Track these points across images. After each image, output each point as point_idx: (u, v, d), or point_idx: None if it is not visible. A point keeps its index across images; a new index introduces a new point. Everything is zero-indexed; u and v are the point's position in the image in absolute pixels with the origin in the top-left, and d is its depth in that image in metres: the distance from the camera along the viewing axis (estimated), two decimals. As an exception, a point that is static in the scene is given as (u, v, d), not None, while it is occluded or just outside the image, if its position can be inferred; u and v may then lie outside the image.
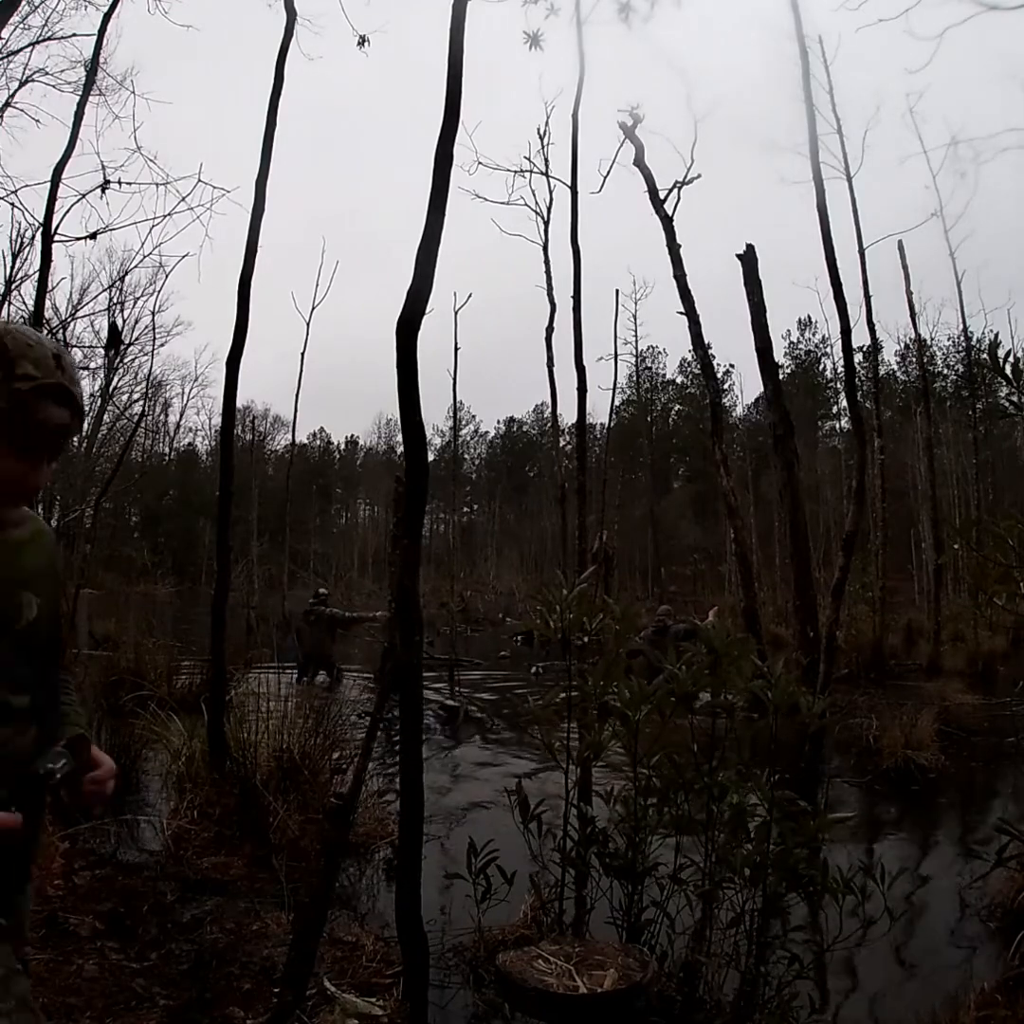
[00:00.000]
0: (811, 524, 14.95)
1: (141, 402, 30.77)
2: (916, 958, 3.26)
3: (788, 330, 44.45)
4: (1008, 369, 2.89)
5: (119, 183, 6.10)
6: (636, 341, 35.66)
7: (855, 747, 6.52)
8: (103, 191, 6.01)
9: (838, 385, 37.95)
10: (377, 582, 28.42)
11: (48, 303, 8.65)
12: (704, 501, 37.06)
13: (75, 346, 16.64)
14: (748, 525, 20.42)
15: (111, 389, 29.86)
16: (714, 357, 18.76)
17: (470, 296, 13.59)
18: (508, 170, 12.94)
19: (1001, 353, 3.00)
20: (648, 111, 11.38)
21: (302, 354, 16.40)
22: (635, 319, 33.84)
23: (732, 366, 43.42)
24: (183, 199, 6.37)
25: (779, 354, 15.31)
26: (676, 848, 2.76)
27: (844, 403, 23.71)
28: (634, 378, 40.46)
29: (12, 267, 12.42)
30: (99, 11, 6.28)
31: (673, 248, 10.55)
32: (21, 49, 9.69)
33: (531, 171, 12.94)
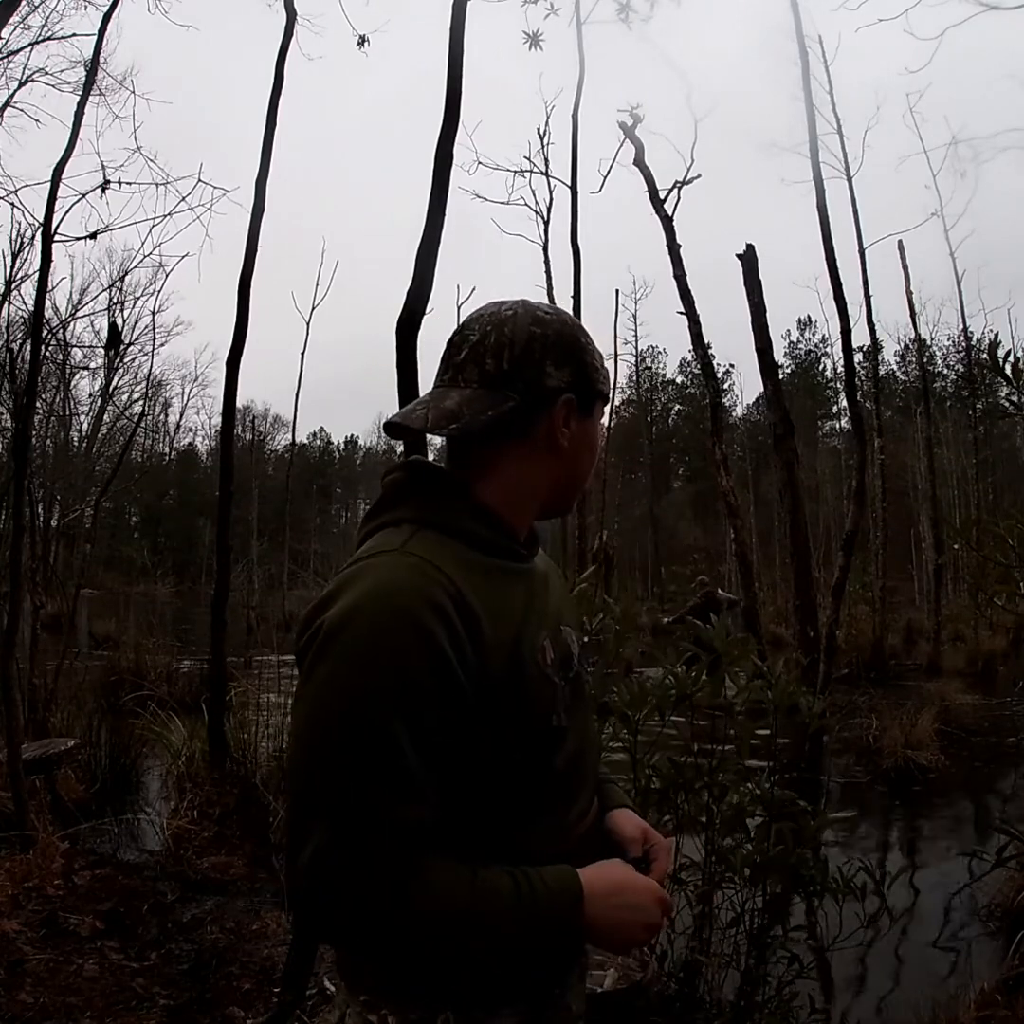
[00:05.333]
0: (811, 524, 14.94)
1: (141, 402, 30.80)
2: (916, 958, 3.26)
3: (788, 330, 44.40)
4: (1008, 369, 2.90)
5: (119, 183, 6.10)
6: (636, 341, 35.84)
7: (855, 747, 6.52)
8: (103, 191, 6.01)
9: (838, 385, 37.91)
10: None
11: (48, 303, 8.66)
12: (704, 501, 37.07)
13: (75, 346, 16.65)
14: (748, 525, 20.42)
15: (111, 389, 29.88)
16: (714, 357, 18.77)
17: (473, 290, 13.56)
18: (508, 170, 12.94)
19: (1001, 353, 3.00)
20: (648, 111, 11.39)
21: (302, 354, 16.43)
22: (635, 319, 34.00)
23: (732, 366, 43.37)
24: (183, 199, 6.36)
25: (779, 354, 15.32)
26: (676, 848, 2.76)
27: (844, 403, 23.73)
28: (634, 378, 40.54)
29: (12, 267, 12.42)
30: (99, 11, 6.29)
31: (673, 248, 10.54)
32: (21, 49, 9.72)
33: (531, 171, 12.95)
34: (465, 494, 0.89)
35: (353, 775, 0.72)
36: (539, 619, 0.90)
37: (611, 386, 1.01)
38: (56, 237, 4.65)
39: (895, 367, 38.79)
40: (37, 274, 4.68)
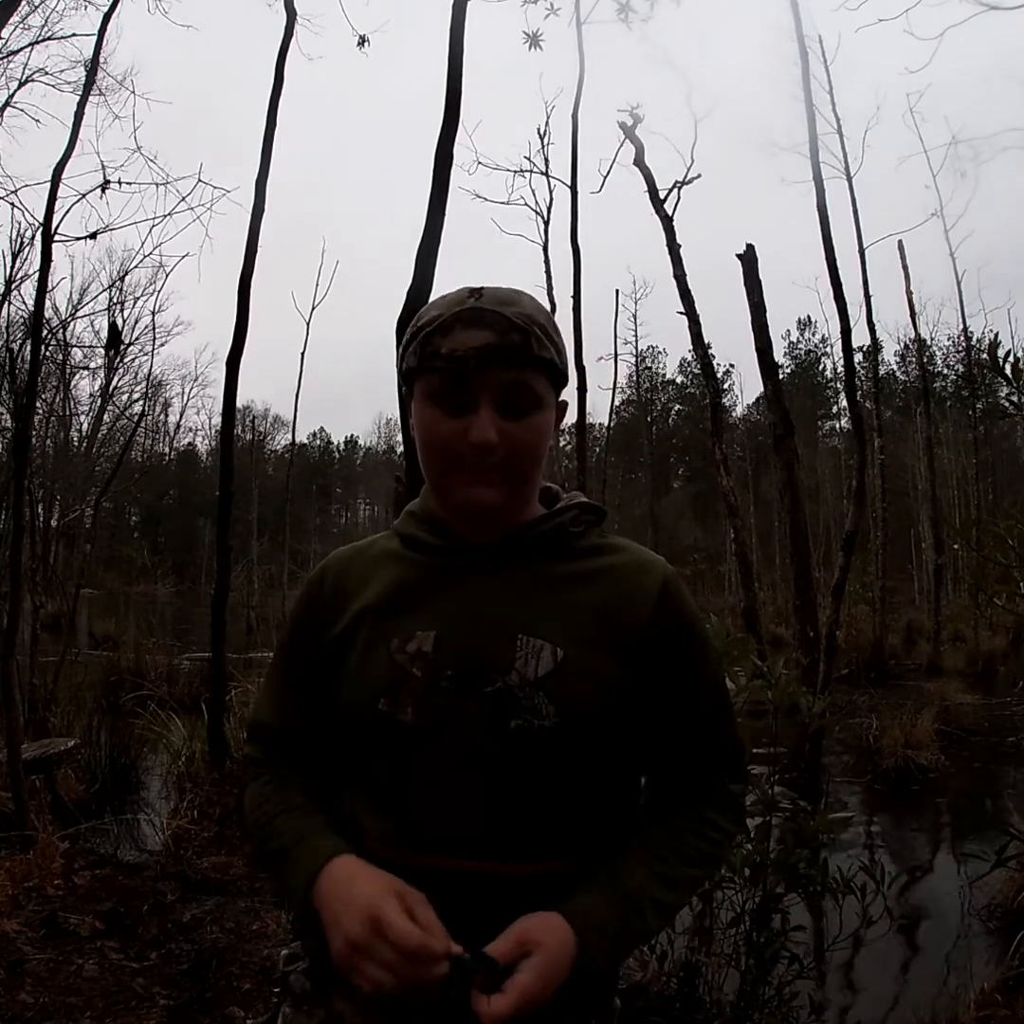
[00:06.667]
0: (811, 524, 14.95)
1: (141, 402, 30.79)
2: (916, 958, 3.26)
3: (788, 330, 44.44)
4: (1008, 369, 2.89)
5: (119, 183, 6.10)
6: (636, 341, 35.71)
7: (855, 747, 6.52)
8: (103, 191, 6.01)
9: (838, 385, 37.93)
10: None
11: (48, 303, 8.65)
12: (704, 501, 37.08)
13: (75, 346, 16.65)
14: (748, 525, 20.42)
15: (111, 389, 29.88)
16: (714, 357, 18.76)
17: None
18: (508, 170, 12.93)
19: (1001, 353, 3.00)
20: (648, 111, 11.38)
21: (302, 354, 16.39)
22: (635, 319, 33.90)
23: (732, 366, 43.41)
24: (183, 199, 6.37)
25: (779, 354, 15.33)
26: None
27: (844, 403, 23.72)
28: (634, 378, 40.49)
29: (12, 267, 12.40)
30: (99, 11, 6.30)
31: (673, 248, 10.54)
32: (21, 49, 9.71)
33: (531, 171, 12.93)
34: (414, 501, 0.98)
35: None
36: (429, 611, 0.87)
37: (434, 349, 0.82)
38: (56, 237, 4.65)
39: (895, 367, 38.82)
40: (37, 274, 4.68)
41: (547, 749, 0.82)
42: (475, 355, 0.80)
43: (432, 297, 3.06)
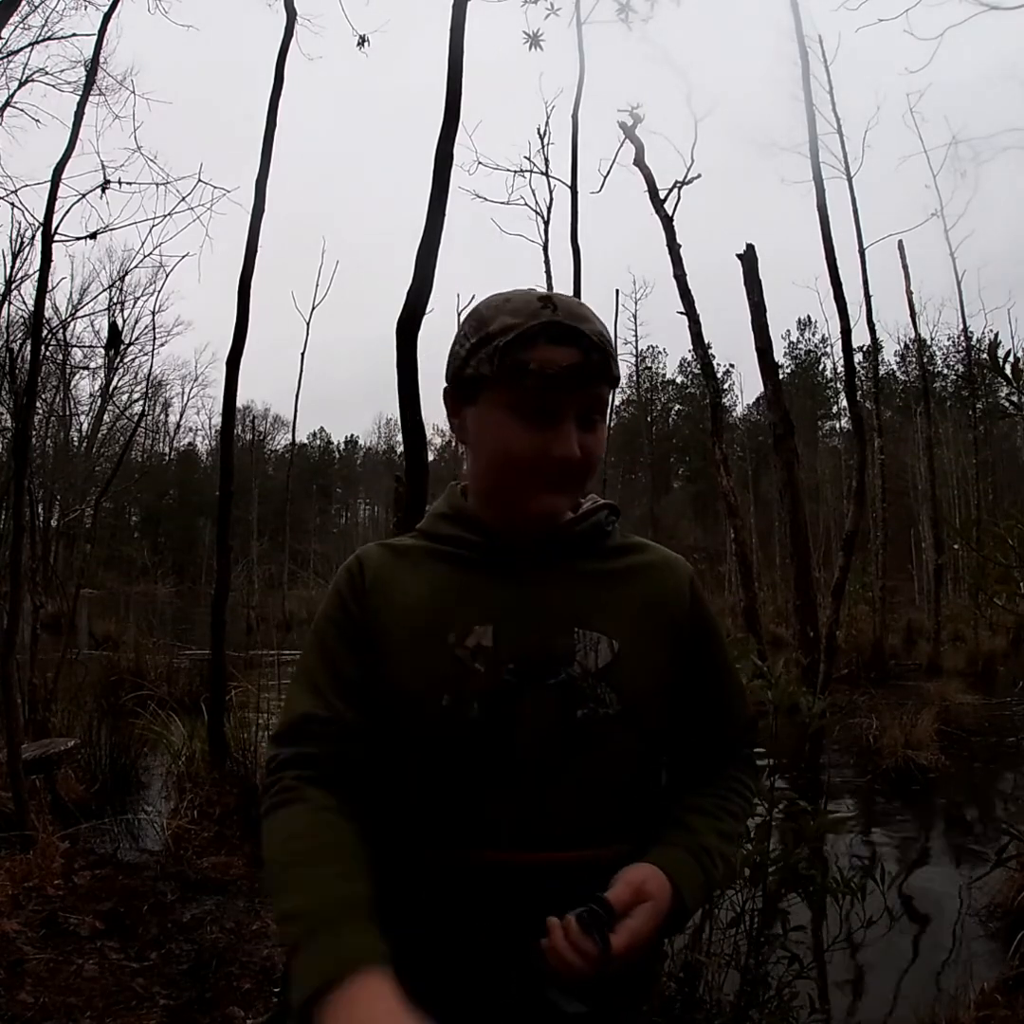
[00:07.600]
0: (811, 524, 14.94)
1: (141, 402, 30.83)
2: (916, 958, 3.26)
3: (788, 330, 44.47)
4: (1008, 369, 2.90)
5: (119, 183, 6.10)
6: (636, 341, 35.86)
7: (855, 747, 6.52)
8: (103, 191, 6.01)
9: (838, 385, 37.94)
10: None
11: (48, 303, 8.65)
12: (704, 501, 37.10)
13: (75, 346, 16.66)
14: (748, 525, 20.41)
15: (111, 389, 29.91)
16: (714, 357, 18.75)
17: (472, 298, 13.57)
18: (508, 170, 12.88)
19: (1001, 353, 3.01)
20: (648, 111, 11.35)
21: (302, 354, 16.39)
22: (635, 319, 34.03)
23: (732, 366, 43.44)
24: (183, 199, 6.38)
25: (779, 354, 15.33)
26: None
27: (844, 403, 23.71)
28: (634, 378, 40.51)
29: (12, 267, 12.44)
30: (99, 11, 6.30)
31: (673, 248, 10.54)
32: (21, 49, 9.73)
33: (531, 171, 12.89)
34: (441, 500, 0.99)
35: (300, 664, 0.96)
36: (481, 606, 0.88)
37: (518, 362, 0.83)
38: (56, 237, 4.66)
39: (895, 367, 38.82)
40: (37, 274, 4.68)
41: (611, 735, 0.86)
42: (565, 374, 0.84)
43: (433, 296, 3.05)
